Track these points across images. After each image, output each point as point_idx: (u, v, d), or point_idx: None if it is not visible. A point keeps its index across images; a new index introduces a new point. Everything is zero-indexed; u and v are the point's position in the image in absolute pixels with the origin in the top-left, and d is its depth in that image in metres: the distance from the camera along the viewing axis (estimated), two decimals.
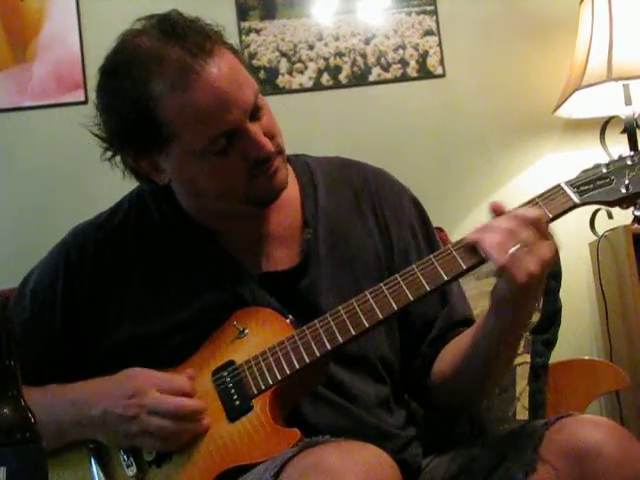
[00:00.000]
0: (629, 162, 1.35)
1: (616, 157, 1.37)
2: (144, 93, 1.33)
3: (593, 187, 1.33)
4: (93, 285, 1.46)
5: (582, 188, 1.33)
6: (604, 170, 1.35)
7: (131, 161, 1.42)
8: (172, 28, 1.34)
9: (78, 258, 1.47)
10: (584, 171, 1.36)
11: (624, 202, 1.34)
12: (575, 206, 1.32)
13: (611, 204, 1.34)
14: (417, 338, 1.49)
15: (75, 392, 1.38)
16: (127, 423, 1.30)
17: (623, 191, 1.33)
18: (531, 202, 1.32)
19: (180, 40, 1.33)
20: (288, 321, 1.37)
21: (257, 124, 1.36)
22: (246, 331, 1.37)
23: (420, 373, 1.49)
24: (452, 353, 1.45)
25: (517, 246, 1.23)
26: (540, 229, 1.26)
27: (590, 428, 1.22)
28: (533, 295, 1.31)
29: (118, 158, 1.45)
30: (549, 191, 1.33)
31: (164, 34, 1.34)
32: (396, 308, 1.31)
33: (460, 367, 1.42)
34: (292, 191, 1.48)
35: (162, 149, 1.37)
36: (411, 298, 1.31)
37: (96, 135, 1.44)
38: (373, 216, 1.52)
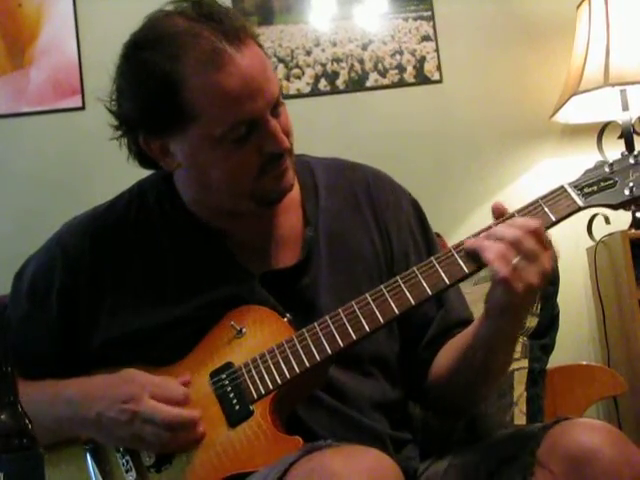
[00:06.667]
0: (632, 161, 1.33)
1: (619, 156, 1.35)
2: (174, 68, 1.32)
3: (597, 189, 1.32)
4: (90, 279, 1.44)
5: (586, 190, 1.32)
6: (607, 170, 1.33)
7: (142, 141, 1.39)
8: (209, 12, 1.34)
9: (76, 251, 1.46)
10: (587, 171, 1.34)
11: (628, 205, 1.33)
12: (579, 209, 1.31)
13: (615, 207, 1.33)
14: (415, 339, 1.49)
15: (71, 391, 1.36)
16: (120, 427, 1.29)
17: (627, 193, 1.31)
18: (534, 204, 1.32)
19: (216, 23, 1.32)
20: (286, 320, 1.36)
21: (276, 120, 1.36)
22: (244, 330, 1.36)
23: (418, 375, 1.49)
24: (448, 356, 1.45)
25: (519, 257, 1.23)
26: (541, 239, 1.25)
27: (588, 432, 1.22)
28: (529, 304, 1.32)
29: (124, 141, 1.43)
30: (552, 193, 1.32)
31: (200, 15, 1.34)
32: (397, 312, 1.31)
33: (455, 370, 1.42)
34: (293, 191, 1.47)
35: (179, 130, 1.35)
36: (412, 302, 1.31)
37: (109, 110, 1.41)
38: (373, 217, 1.51)
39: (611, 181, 1.32)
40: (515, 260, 1.23)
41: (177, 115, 1.34)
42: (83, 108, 2.52)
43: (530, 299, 1.29)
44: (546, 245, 1.26)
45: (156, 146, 1.39)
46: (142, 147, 1.40)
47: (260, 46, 1.38)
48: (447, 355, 1.45)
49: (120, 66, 1.39)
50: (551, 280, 1.88)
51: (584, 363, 2.20)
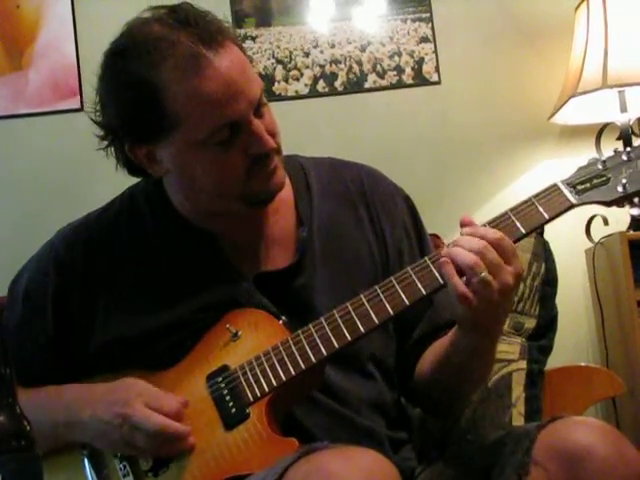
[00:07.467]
0: (625, 158, 1.33)
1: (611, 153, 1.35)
2: (154, 76, 1.32)
3: (590, 186, 1.32)
4: (84, 284, 1.45)
5: (579, 187, 1.32)
6: (600, 167, 1.33)
7: (127, 150, 1.39)
8: (185, 17, 1.34)
9: (68, 258, 1.46)
10: (580, 168, 1.34)
11: (621, 202, 1.33)
12: (572, 206, 1.31)
13: (608, 204, 1.33)
14: (403, 337, 1.50)
15: (70, 394, 1.38)
16: (111, 431, 1.29)
17: (620, 190, 1.31)
18: (527, 202, 1.32)
19: (193, 28, 1.32)
20: (281, 322, 1.36)
21: (260, 120, 1.36)
22: (239, 333, 1.36)
23: (405, 373, 1.49)
24: (430, 359, 1.46)
25: (484, 273, 1.22)
26: (503, 251, 1.25)
27: (582, 430, 1.22)
28: (496, 317, 1.31)
29: (112, 150, 1.43)
30: (545, 191, 1.32)
31: (177, 21, 1.34)
32: (392, 313, 1.31)
33: (436, 374, 1.43)
34: (286, 191, 1.47)
35: (163, 136, 1.35)
36: (407, 302, 1.31)
37: (94, 121, 1.42)
38: (367, 215, 1.52)
39: (604, 178, 1.33)
40: (482, 274, 1.22)
41: (160, 122, 1.34)
42: (81, 109, 2.52)
43: (497, 313, 1.28)
44: (509, 258, 1.25)
45: (142, 154, 1.39)
46: (129, 155, 1.40)
47: (240, 47, 1.38)
48: (429, 358, 1.46)
49: (101, 76, 1.39)
50: (549, 281, 1.88)
51: (583, 364, 2.21)
